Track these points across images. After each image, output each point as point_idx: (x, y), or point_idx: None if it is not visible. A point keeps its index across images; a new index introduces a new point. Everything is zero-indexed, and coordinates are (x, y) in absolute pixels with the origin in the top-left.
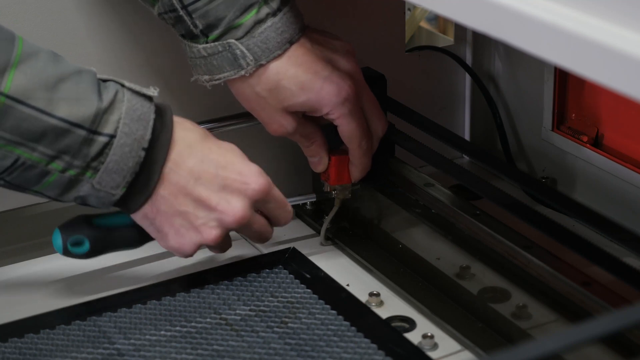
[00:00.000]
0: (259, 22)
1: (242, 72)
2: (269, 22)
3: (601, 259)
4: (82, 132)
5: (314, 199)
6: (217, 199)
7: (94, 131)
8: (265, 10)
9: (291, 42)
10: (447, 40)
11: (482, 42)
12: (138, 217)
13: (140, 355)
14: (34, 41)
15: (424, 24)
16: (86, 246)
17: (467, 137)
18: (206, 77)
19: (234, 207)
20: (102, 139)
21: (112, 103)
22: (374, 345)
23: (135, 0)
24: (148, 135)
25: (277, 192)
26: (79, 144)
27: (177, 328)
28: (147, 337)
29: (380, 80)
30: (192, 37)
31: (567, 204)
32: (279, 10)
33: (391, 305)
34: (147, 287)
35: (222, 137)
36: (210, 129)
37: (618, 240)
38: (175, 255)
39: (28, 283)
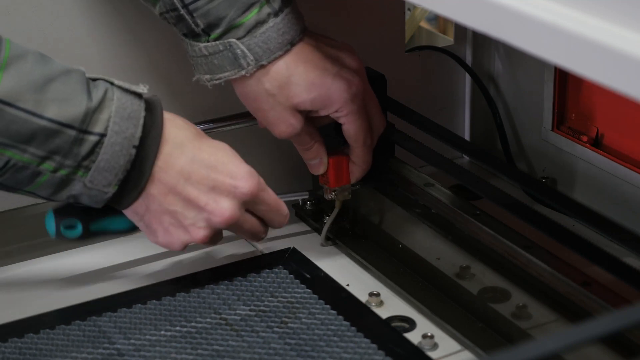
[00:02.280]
0: (260, 22)
1: (243, 72)
2: (270, 23)
3: (601, 259)
4: (72, 132)
5: (306, 196)
6: (206, 199)
7: (84, 130)
8: (266, 10)
9: (292, 43)
10: (447, 40)
11: (482, 42)
12: (128, 213)
13: (140, 355)
14: (35, 41)
15: (424, 24)
16: (79, 229)
17: (467, 137)
18: (207, 76)
19: (222, 208)
20: (92, 138)
21: (101, 102)
22: (374, 345)
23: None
24: (138, 134)
25: (269, 195)
26: (69, 144)
27: (177, 328)
28: (147, 337)
29: (380, 80)
30: (193, 36)
31: (567, 204)
32: (280, 10)
33: (391, 305)
34: (147, 287)
35: (221, 137)
36: (210, 129)
37: (618, 240)
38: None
39: (28, 283)
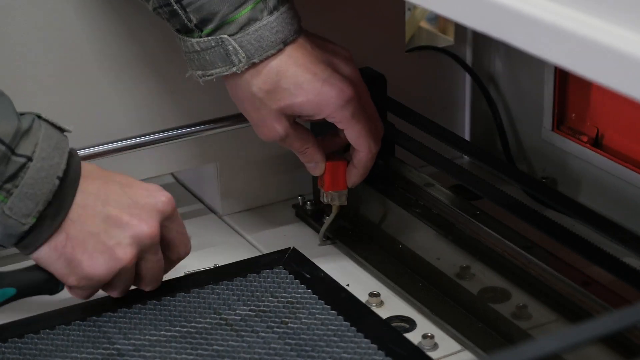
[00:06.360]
0: (253, 19)
1: (234, 69)
2: (264, 21)
3: (601, 259)
4: (2, 147)
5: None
6: (129, 215)
7: (12, 150)
8: (261, 7)
9: (285, 43)
10: (447, 40)
11: (482, 42)
12: (46, 252)
13: (140, 355)
14: (28, 39)
15: (424, 24)
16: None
17: (467, 137)
18: (199, 72)
19: (147, 221)
20: (19, 160)
21: (29, 128)
22: (374, 345)
23: None
24: (63, 165)
25: (179, 215)
26: None
27: (177, 328)
28: (147, 337)
29: (380, 80)
30: (186, 31)
31: (567, 204)
32: (275, 9)
33: (391, 305)
34: None
35: (221, 137)
36: (207, 130)
37: (618, 240)
38: (91, 284)
39: None
